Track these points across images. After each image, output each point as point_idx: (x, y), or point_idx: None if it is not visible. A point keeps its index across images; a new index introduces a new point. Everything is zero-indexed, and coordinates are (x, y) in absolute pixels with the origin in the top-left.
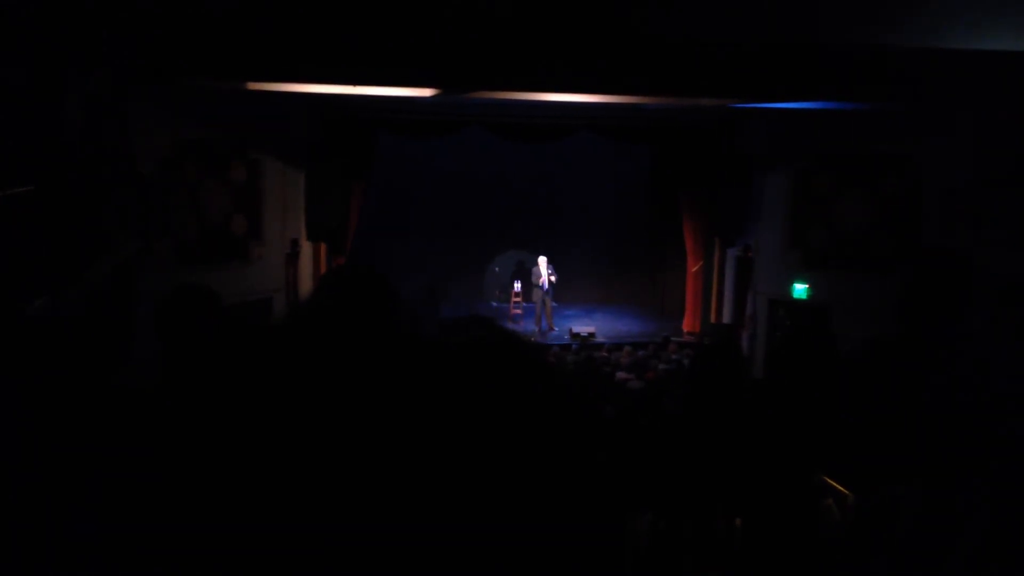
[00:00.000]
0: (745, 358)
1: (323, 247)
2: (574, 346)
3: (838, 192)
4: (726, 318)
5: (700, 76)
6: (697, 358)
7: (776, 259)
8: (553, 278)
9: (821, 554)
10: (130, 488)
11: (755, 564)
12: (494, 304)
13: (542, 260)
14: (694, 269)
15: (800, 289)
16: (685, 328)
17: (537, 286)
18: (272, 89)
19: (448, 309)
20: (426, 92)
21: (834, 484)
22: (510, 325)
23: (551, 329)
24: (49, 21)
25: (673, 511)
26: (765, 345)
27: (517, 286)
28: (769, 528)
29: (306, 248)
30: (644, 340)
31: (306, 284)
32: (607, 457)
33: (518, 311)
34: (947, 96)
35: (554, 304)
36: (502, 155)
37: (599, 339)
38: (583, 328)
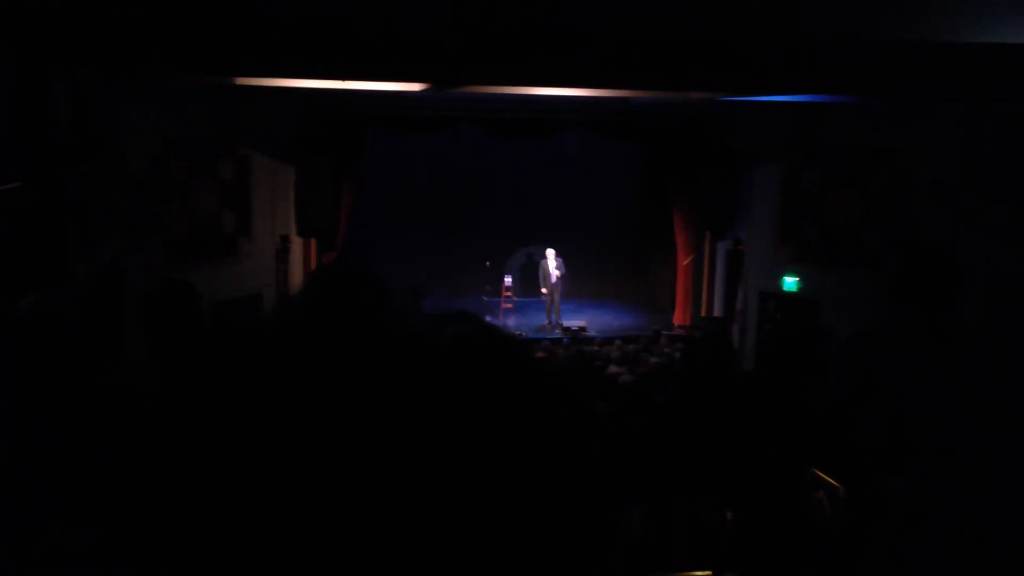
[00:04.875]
0: (735, 351)
1: (313, 243)
2: (565, 340)
3: (827, 186)
4: (717, 311)
5: (689, 69)
6: (688, 351)
7: (766, 253)
8: (560, 271)
9: (812, 546)
10: (124, 485)
11: (747, 557)
12: (484, 299)
13: (550, 253)
14: (685, 263)
15: (790, 282)
16: (676, 322)
17: (547, 279)
18: (261, 84)
19: (443, 305)
20: (415, 87)
21: (825, 477)
22: (500, 320)
23: (559, 323)
24: (35, 17)
25: (665, 505)
26: (756, 338)
27: (508, 280)
28: (761, 521)
29: (296, 244)
30: (635, 334)
31: (297, 280)
32: (598, 449)
33: (508, 305)
34: (936, 89)
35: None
36: (492, 152)
37: (590, 333)
38: (574, 322)
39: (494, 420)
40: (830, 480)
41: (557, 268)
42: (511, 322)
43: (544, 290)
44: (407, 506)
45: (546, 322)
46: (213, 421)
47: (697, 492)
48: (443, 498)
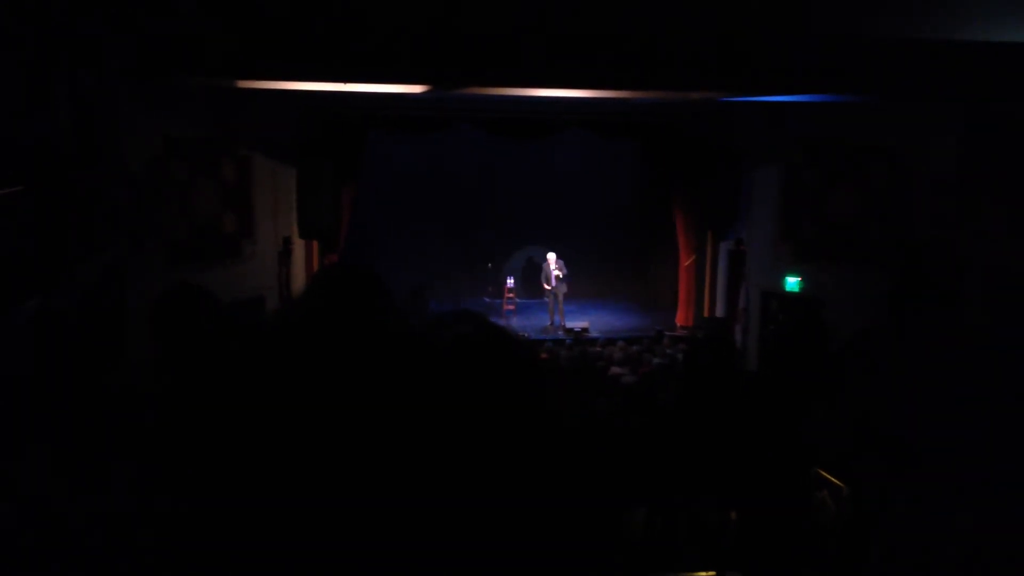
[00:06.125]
0: (738, 351)
1: (315, 245)
2: (568, 341)
3: (828, 185)
4: (719, 311)
5: (690, 70)
6: (690, 352)
7: (768, 252)
8: (560, 273)
9: (816, 546)
10: (128, 484)
11: (750, 557)
12: (486, 300)
13: (551, 256)
14: (687, 263)
15: (792, 282)
16: (678, 322)
17: (547, 281)
18: (262, 87)
19: (442, 306)
20: (416, 88)
21: (828, 477)
22: (502, 321)
23: (563, 324)
24: (37, 19)
25: (668, 505)
26: (758, 338)
27: (510, 282)
28: (764, 521)
29: (298, 246)
30: (638, 335)
31: (299, 282)
32: (601, 449)
33: (511, 307)
34: (936, 88)
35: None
36: (492, 152)
37: (593, 334)
38: (576, 323)
39: (496, 420)
40: (833, 480)
41: (558, 269)
42: (513, 323)
43: (547, 286)
44: (410, 506)
45: (549, 323)
46: (217, 421)
47: (700, 492)
48: (446, 498)
